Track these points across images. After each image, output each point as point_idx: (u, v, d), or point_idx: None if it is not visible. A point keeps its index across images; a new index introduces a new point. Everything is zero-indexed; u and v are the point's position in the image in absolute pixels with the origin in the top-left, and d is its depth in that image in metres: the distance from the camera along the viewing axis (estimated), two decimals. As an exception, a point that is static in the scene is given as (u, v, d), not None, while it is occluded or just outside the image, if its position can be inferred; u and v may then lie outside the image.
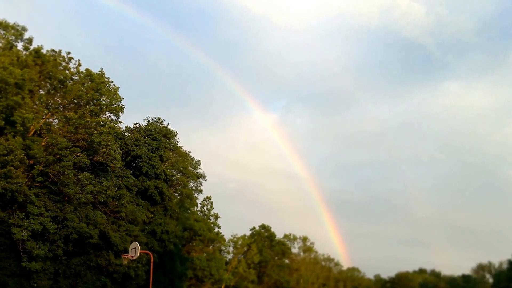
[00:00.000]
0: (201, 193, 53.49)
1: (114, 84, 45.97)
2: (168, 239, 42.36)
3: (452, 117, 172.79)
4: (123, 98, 46.21)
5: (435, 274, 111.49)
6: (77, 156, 34.74)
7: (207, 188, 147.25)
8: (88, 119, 37.12)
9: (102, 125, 37.73)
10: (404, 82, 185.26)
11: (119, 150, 38.95)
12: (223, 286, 75.95)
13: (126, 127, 46.08)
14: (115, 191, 36.79)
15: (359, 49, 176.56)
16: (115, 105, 45.16)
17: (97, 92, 39.09)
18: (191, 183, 51.18)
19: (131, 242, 38.65)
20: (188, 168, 48.17)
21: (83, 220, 34.66)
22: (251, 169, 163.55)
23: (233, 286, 77.23)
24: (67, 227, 33.88)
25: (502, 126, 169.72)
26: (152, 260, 31.45)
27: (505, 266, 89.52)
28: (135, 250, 30.51)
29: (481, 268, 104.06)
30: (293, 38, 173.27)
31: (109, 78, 46.42)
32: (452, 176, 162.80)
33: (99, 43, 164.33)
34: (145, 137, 44.60)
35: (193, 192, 52.03)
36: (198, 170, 50.10)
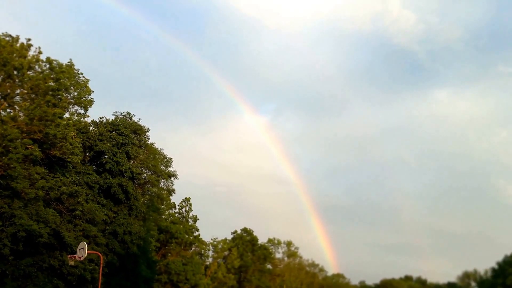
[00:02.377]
0: (173, 193, 51.19)
1: (84, 77, 43.86)
2: (131, 241, 39.88)
3: (441, 124, 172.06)
4: (93, 91, 44.19)
5: (421, 282, 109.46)
6: (28, 148, 32.29)
7: (194, 190, 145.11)
8: (45, 110, 34.72)
9: (60, 117, 35.27)
10: (393, 89, 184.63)
11: (79, 145, 36.57)
12: (201, 291, 73.37)
13: (93, 121, 43.76)
14: (71, 188, 34.34)
15: (350, 54, 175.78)
16: (84, 98, 43.16)
17: (56, 82, 36.70)
18: (162, 182, 48.79)
19: (88, 242, 36.27)
20: (158, 166, 45.74)
21: (33, 218, 32.17)
22: (240, 173, 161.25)
23: (211, 292, 74.69)
24: (15, 224, 31.36)
25: (490, 134, 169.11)
26: (102, 262, 29.06)
27: (490, 274, 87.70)
28: (83, 250, 28.15)
29: (466, 276, 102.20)
30: (285, 40, 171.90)
31: (78, 70, 44.35)
32: (440, 183, 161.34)
33: (85, 38, 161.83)
34: (111, 132, 42.20)
35: (164, 192, 49.63)
36: (170, 169, 47.70)
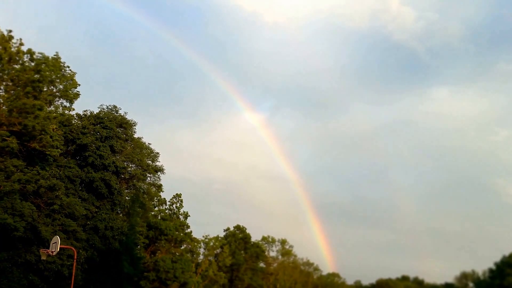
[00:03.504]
0: (161, 188, 50.35)
1: (70, 70, 43.13)
2: (113, 236, 39.04)
3: (440, 123, 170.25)
4: (79, 84, 43.47)
5: (418, 282, 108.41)
6: (5, 140, 31.47)
7: (190, 187, 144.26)
8: (24, 102, 33.90)
9: (40, 109, 34.42)
10: (392, 86, 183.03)
11: (60, 137, 35.70)
12: (191, 290, 72.53)
13: (77, 114, 42.93)
14: (49, 181, 33.50)
15: (348, 51, 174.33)
16: (70, 91, 42.43)
17: (37, 74, 35.88)
18: (149, 177, 47.89)
19: (67, 237, 35.50)
20: (144, 160, 44.86)
21: (8, 211, 31.36)
22: (237, 170, 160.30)
23: (202, 289, 73.82)
24: (-11, 218, 30.56)
25: (490, 134, 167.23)
26: (75, 257, 28.21)
27: (488, 274, 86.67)
28: (56, 244, 27.31)
29: (464, 276, 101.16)
30: (283, 37, 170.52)
31: (64, 63, 43.63)
32: (438, 182, 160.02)
33: (84, 36, 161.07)
34: (95, 125, 41.35)
35: (152, 187, 48.77)
36: (157, 163, 46.81)
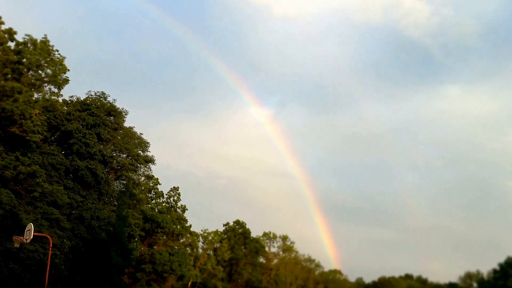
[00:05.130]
0: (152, 179, 49.06)
1: (60, 54, 41.93)
2: (99, 226, 37.78)
3: (451, 121, 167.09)
4: (68, 70, 42.29)
5: (421, 281, 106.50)
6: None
7: (194, 182, 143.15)
8: (3, 84, 32.72)
9: (20, 92, 33.20)
10: (403, 83, 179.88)
11: (40, 122, 34.45)
12: (189, 283, 71.39)
13: (63, 100, 41.70)
14: (29, 168, 32.31)
15: (359, 47, 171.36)
16: (59, 76, 41.30)
17: (18, 55, 34.66)
18: (141, 168, 46.59)
19: (50, 226, 34.31)
20: (133, 150, 43.54)
21: (-14, 198, 30.23)
22: (242, 165, 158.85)
23: (200, 283, 72.65)
24: (-36, 204, 29.48)
25: (502, 134, 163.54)
26: (51, 245, 26.95)
27: (492, 275, 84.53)
28: (30, 232, 26.10)
29: (468, 277, 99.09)
30: (293, 31, 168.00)
31: (53, 46, 42.44)
32: (447, 182, 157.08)
33: (86, 26, 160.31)
34: (81, 112, 40.08)
35: (142, 177, 47.52)
36: (147, 153, 45.47)
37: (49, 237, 27.59)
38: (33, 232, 26.26)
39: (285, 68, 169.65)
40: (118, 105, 42.71)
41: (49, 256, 26.88)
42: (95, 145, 39.09)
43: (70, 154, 38.49)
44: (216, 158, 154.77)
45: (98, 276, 38.44)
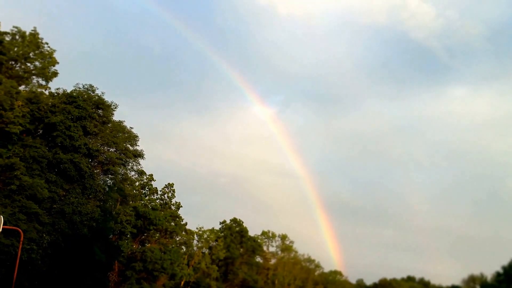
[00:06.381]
0: (146, 175, 48.03)
1: (49, 47, 41.23)
2: (81, 221, 36.77)
3: (456, 123, 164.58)
4: (58, 62, 41.57)
5: (424, 283, 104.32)
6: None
7: (196, 180, 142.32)
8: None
9: (-1, 82, 32.34)
10: (408, 84, 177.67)
11: (21, 114, 33.54)
12: (182, 283, 70.33)
13: (50, 92, 40.82)
14: (7, 160, 31.38)
15: (364, 47, 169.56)
16: (47, 69, 40.60)
17: (-1, 45, 33.80)
18: (131, 164, 45.54)
19: (29, 220, 33.35)
20: (121, 144, 42.49)
21: (-41, 189, 29.34)
22: (244, 164, 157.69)
23: (193, 283, 71.53)
24: None
25: (507, 135, 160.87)
26: (21, 238, 25.95)
27: (496, 278, 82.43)
28: (-2, 225, 25.08)
29: (472, 279, 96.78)
30: (297, 30, 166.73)
31: (42, 39, 41.74)
32: (451, 183, 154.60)
33: (90, 23, 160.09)
34: (67, 104, 39.10)
35: (130, 172, 46.49)
36: (136, 147, 44.41)
37: (20, 230, 26.62)
38: (4, 225, 25.30)
39: (289, 67, 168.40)
40: (119, 101, 42.05)
41: (19, 250, 25.87)
42: (80, 138, 38.12)
43: (53, 147, 37.55)
44: (218, 156, 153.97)
45: (79, 273, 37.44)
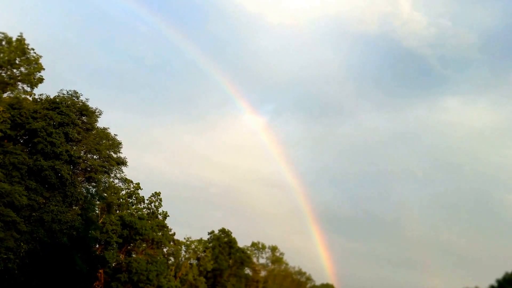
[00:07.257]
0: (126, 182, 47.28)
1: (35, 53, 40.85)
2: (61, 230, 35.92)
3: (450, 133, 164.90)
4: (43, 69, 41.16)
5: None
6: None
7: (187, 190, 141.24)
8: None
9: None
10: (401, 94, 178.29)
11: (1, 119, 32.91)
12: (168, 294, 68.97)
13: (33, 98, 40.25)
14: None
15: (355, 56, 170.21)
16: (33, 75, 40.20)
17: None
18: (114, 171, 44.81)
19: (7, 228, 32.49)
20: (103, 151, 41.84)
21: None
22: (236, 174, 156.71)
23: (179, 295, 70.23)
24: None
25: (501, 147, 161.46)
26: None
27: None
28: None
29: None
30: (288, 39, 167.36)
31: (28, 45, 41.38)
32: (447, 196, 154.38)
33: (83, 31, 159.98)
34: (49, 110, 38.52)
35: (114, 180, 45.71)
36: (119, 155, 43.73)
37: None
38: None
39: (280, 76, 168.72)
40: (110, 109, 41.51)
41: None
42: (61, 145, 37.49)
43: (34, 154, 36.86)
44: (209, 166, 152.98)
45: (59, 283, 36.44)
